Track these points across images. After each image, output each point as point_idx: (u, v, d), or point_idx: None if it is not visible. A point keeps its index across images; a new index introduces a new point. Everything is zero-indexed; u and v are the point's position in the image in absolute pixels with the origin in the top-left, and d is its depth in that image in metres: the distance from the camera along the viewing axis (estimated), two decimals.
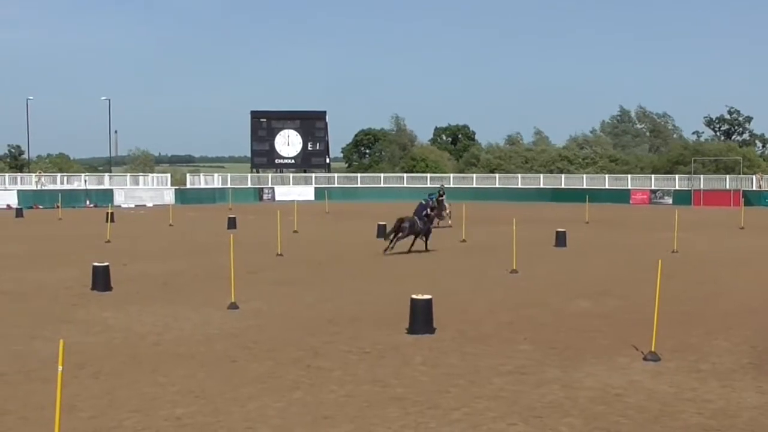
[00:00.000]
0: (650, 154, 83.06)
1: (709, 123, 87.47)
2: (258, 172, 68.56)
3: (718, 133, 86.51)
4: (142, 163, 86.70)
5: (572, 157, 76.53)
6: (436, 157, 78.75)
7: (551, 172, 71.65)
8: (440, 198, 31.15)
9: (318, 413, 7.79)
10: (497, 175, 68.54)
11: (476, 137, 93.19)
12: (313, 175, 68.00)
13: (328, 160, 71.40)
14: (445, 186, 42.83)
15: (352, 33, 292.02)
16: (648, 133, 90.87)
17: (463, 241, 26.18)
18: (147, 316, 12.96)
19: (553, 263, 20.47)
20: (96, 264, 16.05)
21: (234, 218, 33.58)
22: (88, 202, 54.30)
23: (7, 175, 59.87)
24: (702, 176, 59.09)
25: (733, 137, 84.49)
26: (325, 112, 70.88)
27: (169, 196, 58.01)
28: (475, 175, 69.16)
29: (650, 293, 11.13)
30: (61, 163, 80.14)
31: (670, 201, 57.27)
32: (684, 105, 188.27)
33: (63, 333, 11.14)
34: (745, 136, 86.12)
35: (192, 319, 12.74)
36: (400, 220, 22.52)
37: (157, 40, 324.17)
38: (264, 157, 69.13)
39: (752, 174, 59.87)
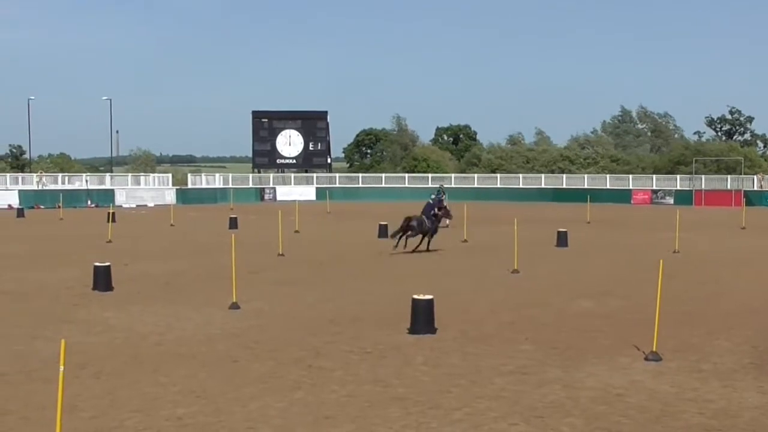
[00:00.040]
0: (651, 154, 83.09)
1: (711, 123, 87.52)
2: (259, 172, 68.57)
3: (719, 133, 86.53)
4: (144, 163, 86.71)
5: (573, 157, 76.55)
6: (437, 157, 78.76)
7: (552, 172, 71.66)
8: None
9: (319, 413, 7.79)
10: (498, 175, 68.56)
11: (477, 137, 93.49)
12: (315, 175, 68.00)
13: (329, 160, 71.44)
14: (446, 186, 42.80)
15: (352, 33, 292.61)
16: (649, 133, 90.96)
17: (465, 241, 26.17)
18: (148, 316, 12.96)
19: (555, 263, 20.46)
20: (97, 264, 16.06)
21: (235, 218, 33.60)
22: (89, 202, 54.32)
23: (8, 175, 59.86)
24: (703, 176, 59.06)
25: (734, 137, 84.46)
26: (326, 112, 70.91)
27: (170, 196, 58.02)
28: (476, 175, 69.17)
29: (651, 293, 11.11)
30: (63, 163, 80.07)
31: (672, 201, 57.24)
32: (685, 105, 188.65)
33: (64, 333, 11.16)
34: (747, 136, 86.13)
35: (193, 319, 12.75)
36: (408, 219, 22.52)
37: (157, 40, 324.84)
38: (265, 157, 69.15)
39: (753, 174, 59.86)
